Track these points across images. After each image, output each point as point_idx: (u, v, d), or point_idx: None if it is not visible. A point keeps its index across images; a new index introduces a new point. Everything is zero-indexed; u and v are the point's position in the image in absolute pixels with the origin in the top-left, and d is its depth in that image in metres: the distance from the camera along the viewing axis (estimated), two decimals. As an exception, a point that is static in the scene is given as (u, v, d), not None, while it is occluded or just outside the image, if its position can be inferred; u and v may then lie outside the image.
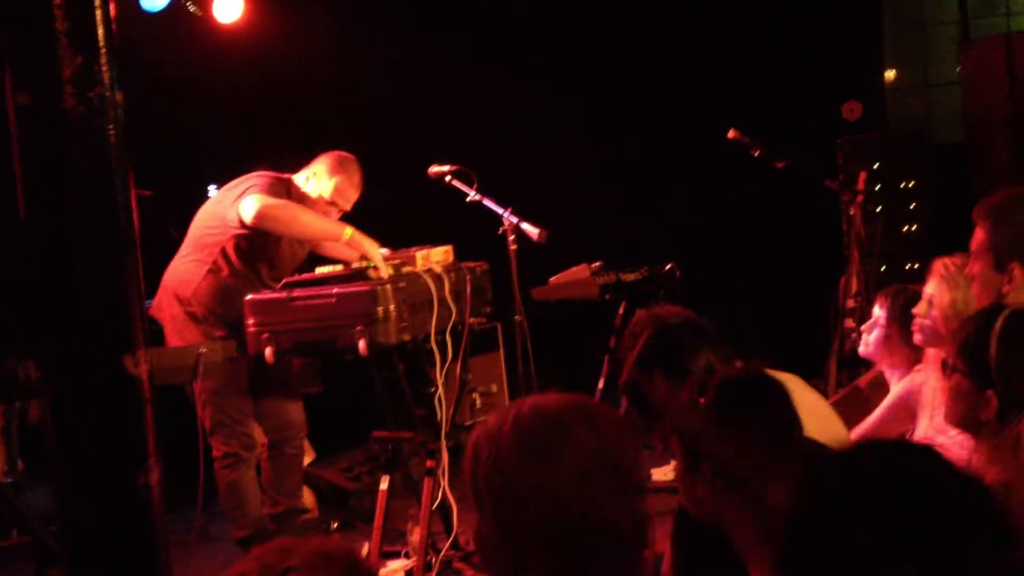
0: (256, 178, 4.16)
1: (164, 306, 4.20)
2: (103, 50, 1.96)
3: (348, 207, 4.32)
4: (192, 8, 5.57)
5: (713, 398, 1.82)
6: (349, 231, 4.04)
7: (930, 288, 3.15)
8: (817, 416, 2.70)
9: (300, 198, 4.25)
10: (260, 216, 3.99)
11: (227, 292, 4.12)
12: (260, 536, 4.10)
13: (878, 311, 3.49)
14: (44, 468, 5.58)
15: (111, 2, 2.02)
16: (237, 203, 4.05)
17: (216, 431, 4.15)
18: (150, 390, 1.89)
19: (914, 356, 3.37)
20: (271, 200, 4.03)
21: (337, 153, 4.33)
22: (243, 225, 4.06)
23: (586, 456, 1.46)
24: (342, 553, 1.29)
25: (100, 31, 1.97)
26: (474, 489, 1.51)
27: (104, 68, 1.96)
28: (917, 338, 3.21)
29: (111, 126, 1.96)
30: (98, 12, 1.97)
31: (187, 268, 4.20)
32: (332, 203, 4.26)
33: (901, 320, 3.35)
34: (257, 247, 4.17)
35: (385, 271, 3.92)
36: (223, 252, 4.15)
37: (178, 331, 4.13)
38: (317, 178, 4.27)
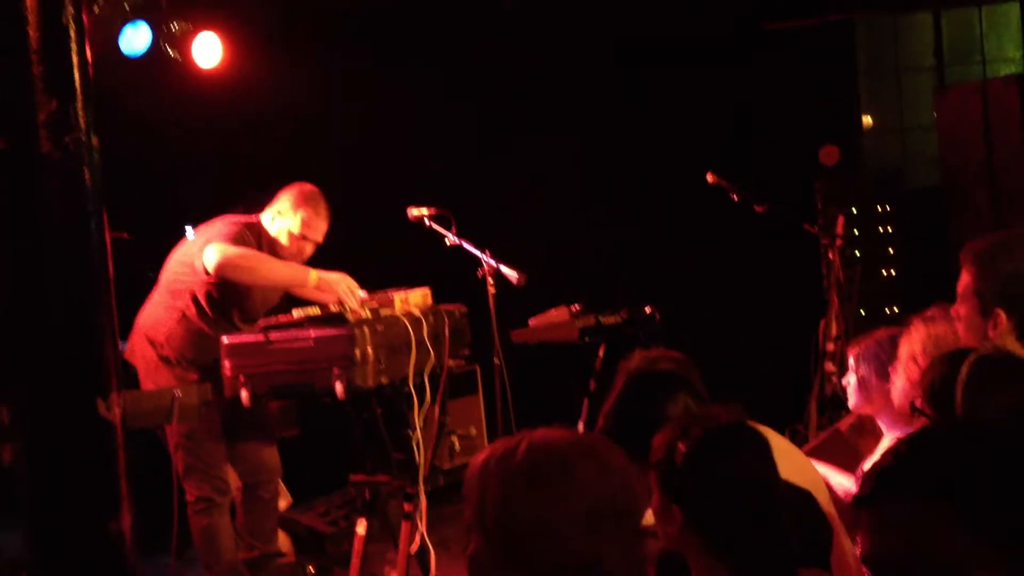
0: (221, 224, 4.15)
1: (137, 349, 4.18)
2: (79, 94, 1.97)
3: (320, 239, 4.31)
4: (172, 53, 5.59)
5: (691, 447, 1.82)
6: (315, 275, 4.03)
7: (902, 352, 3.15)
8: (792, 462, 2.70)
9: (270, 243, 4.24)
10: (221, 267, 3.99)
11: (199, 337, 4.11)
12: None
13: (851, 361, 3.50)
14: (14, 514, 5.52)
15: (87, 47, 2.03)
16: (202, 251, 4.03)
17: (189, 475, 4.11)
18: (123, 434, 1.88)
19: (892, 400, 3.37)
20: (233, 250, 4.01)
21: (298, 186, 4.31)
22: (208, 273, 4.05)
23: (590, 497, 1.45)
24: None
25: (76, 75, 1.98)
26: (474, 511, 1.49)
27: (80, 112, 1.96)
28: (893, 397, 3.20)
29: (86, 170, 1.96)
30: (74, 57, 1.98)
31: (159, 312, 4.19)
32: (303, 237, 4.25)
33: (873, 363, 3.36)
34: (227, 293, 4.15)
35: (354, 305, 3.91)
36: (194, 297, 4.14)
37: (151, 374, 4.10)
38: (283, 216, 4.25)
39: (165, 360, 4.12)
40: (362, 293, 4.24)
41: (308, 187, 4.32)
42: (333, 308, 4.02)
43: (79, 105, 1.94)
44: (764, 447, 1.86)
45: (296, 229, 4.24)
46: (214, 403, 3.86)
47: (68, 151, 1.91)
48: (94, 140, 1.98)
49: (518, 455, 1.49)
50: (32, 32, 1.89)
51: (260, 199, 4.51)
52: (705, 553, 1.78)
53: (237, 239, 4.08)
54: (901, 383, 3.05)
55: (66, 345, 1.92)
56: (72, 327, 1.93)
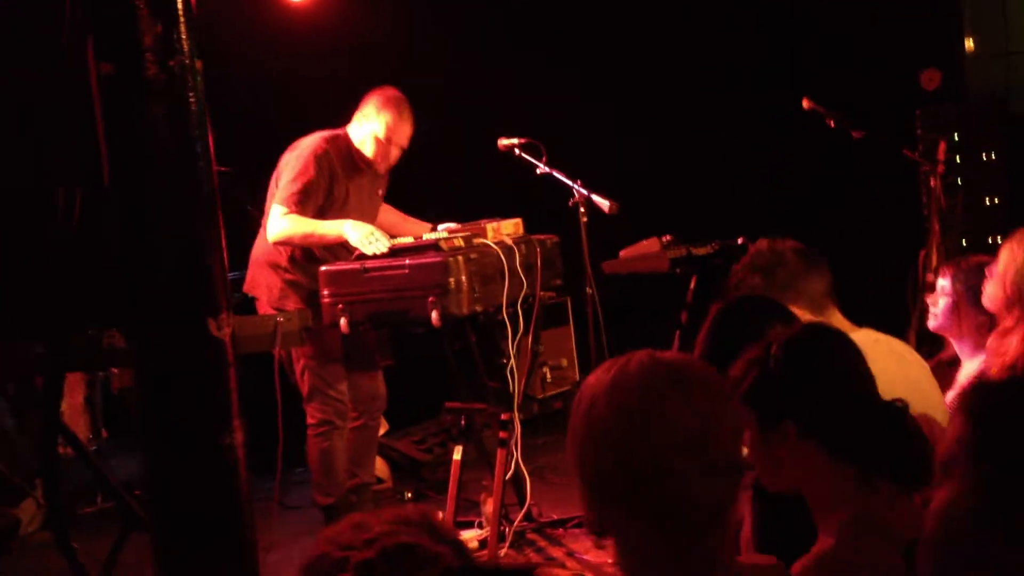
0: (297, 162, 4.17)
1: (260, 280, 4.27)
2: (182, 19, 1.99)
3: (405, 143, 4.32)
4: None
5: (783, 352, 1.81)
6: (343, 223, 4.06)
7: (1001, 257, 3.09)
8: (915, 387, 2.65)
9: (352, 155, 4.27)
10: (278, 242, 4.16)
11: (309, 258, 4.19)
12: (343, 506, 4.17)
13: (942, 281, 3.42)
14: (127, 437, 5.74)
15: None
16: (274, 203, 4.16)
17: (313, 398, 4.21)
18: (233, 353, 1.92)
19: (983, 323, 3.30)
20: (284, 221, 4.10)
21: (380, 90, 4.32)
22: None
23: (679, 432, 1.41)
24: (418, 516, 1.29)
25: (179, 1, 2.00)
26: (570, 439, 1.49)
27: (183, 37, 1.98)
28: (985, 301, 3.16)
29: (191, 94, 1.99)
30: (177, -19, 2.00)
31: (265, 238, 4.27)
32: (388, 141, 4.27)
33: (967, 288, 3.28)
34: (326, 210, 4.20)
35: (491, 234, 4.00)
36: None
37: (277, 302, 4.19)
38: (367, 120, 4.27)
39: (292, 284, 4.21)
40: (452, 224, 4.26)
41: (391, 91, 4.33)
42: (427, 236, 4.05)
43: (183, 29, 1.96)
44: (851, 343, 1.86)
45: (381, 133, 4.26)
46: (334, 329, 3.94)
47: (173, 75, 1.94)
48: (197, 64, 2.01)
49: (604, 386, 1.46)
50: (136, -43, 1.91)
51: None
52: (828, 462, 1.75)
53: (303, 190, 4.11)
54: (993, 289, 3.02)
55: (176, 267, 1.97)
56: (180, 249, 1.97)
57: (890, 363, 2.73)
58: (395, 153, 4.33)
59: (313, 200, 4.16)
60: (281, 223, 4.12)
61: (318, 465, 4.25)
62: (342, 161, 4.25)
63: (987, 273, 3.15)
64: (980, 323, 3.29)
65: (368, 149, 4.28)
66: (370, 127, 4.27)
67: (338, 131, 4.33)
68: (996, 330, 3.14)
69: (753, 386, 1.83)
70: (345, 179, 4.26)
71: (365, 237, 3.97)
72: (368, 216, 4.33)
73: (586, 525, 1.53)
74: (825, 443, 1.76)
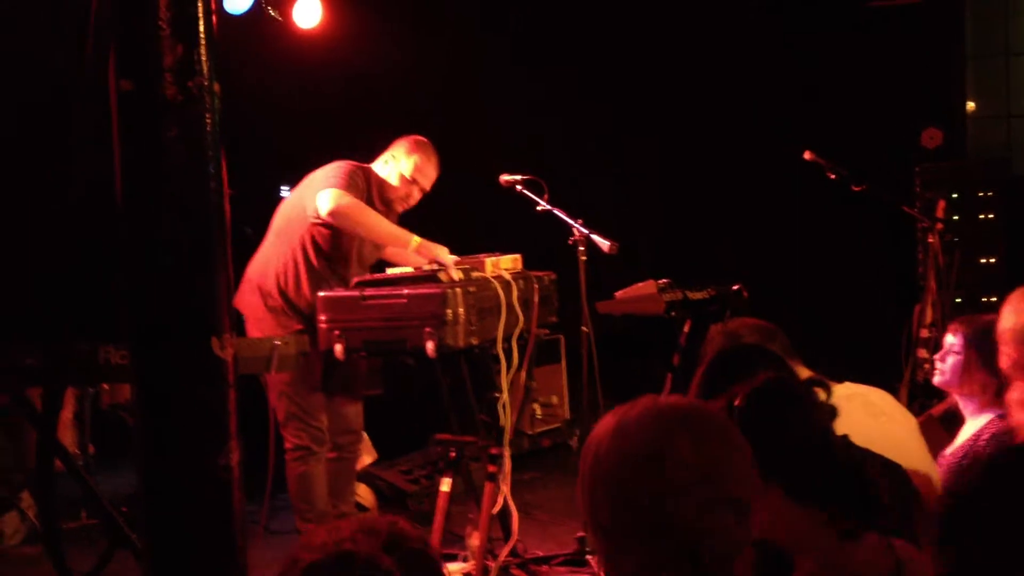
0: (335, 168, 4.23)
1: (246, 298, 4.28)
2: (203, 41, 2.01)
3: (428, 186, 4.40)
4: (273, 12, 5.67)
5: (743, 403, 1.84)
6: (417, 239, 4.10)
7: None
8: (892, 440, 2.66)
9: (379, 185, 4.34)
10: (333, 212, 4.09)
11: (304, 284, 4.19)
12: None
13: (952, 339, 3.43)
14: (114, 454, 5.71)
15: (211, -4, 2.06)
16: (316, 194, 4.11)
17: (289, 423, 4.21)
18: (234, 373, 1.93)
19: (990, 383, 3.30)
20: (346, 197, 4.10)
21: (413, 136, 4.42)
22: (318, 217, 4.13)
23: (684, 474, 1.44)
24: (384, 525, 1.31)
25: (201, 22, 2.02)
26: (580, 486, 1.52)
27: (204, 58, 2.00)
28: (1003, 362, 3.14)
29: (208, 115, 2.00)
30: (200, 4, 2.02)
31: (269, 260, 4.28)
32: (413, 181, 4.35)
33: (978, 345, 3.29)
34: (332, 243, 4.23)
35: (456, 275, 3.95)
36: (302, 246, 4.23)
37: (258, 322, 4.20)
38: (396, 160, 4.35)
39: (272, 309, 4.22)
40: (454, 257, 4.28)
41: (422, 138, 4.43)
42: (426, 267, 4.06)
43: (203, 51, 1.98)
44: (806, 399, 1.88)
45: (408, 172, 4.33)
46: (313, 354, 3.95)
47: (191, 96, 1.95)
48: (216, 87, 2.02)
49: (612, 429, 1.49)
50: (160, -22, 1.94)
51: (355, 159, 4.57)
52: (794, 507, 1.78)
53: (350, 184, 4.15)
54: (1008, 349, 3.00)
55: (182, 285, 1.97)
56: (188, 268, 1.97)
57: (864, 417, 2.75)
58: (416, 196, 4.39)
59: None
60: (343, 198, 4.08)
61: (296, 489, 4.23)
62: (370, 190, 4.31)
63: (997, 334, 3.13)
64: (987, 383, 3.29)
65: (392, 184, 4.35)
66: (397, 167, 4.35)
67: (364, 165, 4.37)
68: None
69: None
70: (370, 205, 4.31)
71: (450, 258, 4.01)
72: (371, 258, 4.38)
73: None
74: (789, 490, 1.79)
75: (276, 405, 4.22)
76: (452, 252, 4.38)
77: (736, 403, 1.85)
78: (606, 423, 1.50)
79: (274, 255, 4.28)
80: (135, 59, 1.98)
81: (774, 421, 1.85)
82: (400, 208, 4.42)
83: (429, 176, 4.38)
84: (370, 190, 4.31)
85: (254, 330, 4.22)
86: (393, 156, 4.36)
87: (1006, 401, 3.09)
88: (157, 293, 1.93)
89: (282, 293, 4.23)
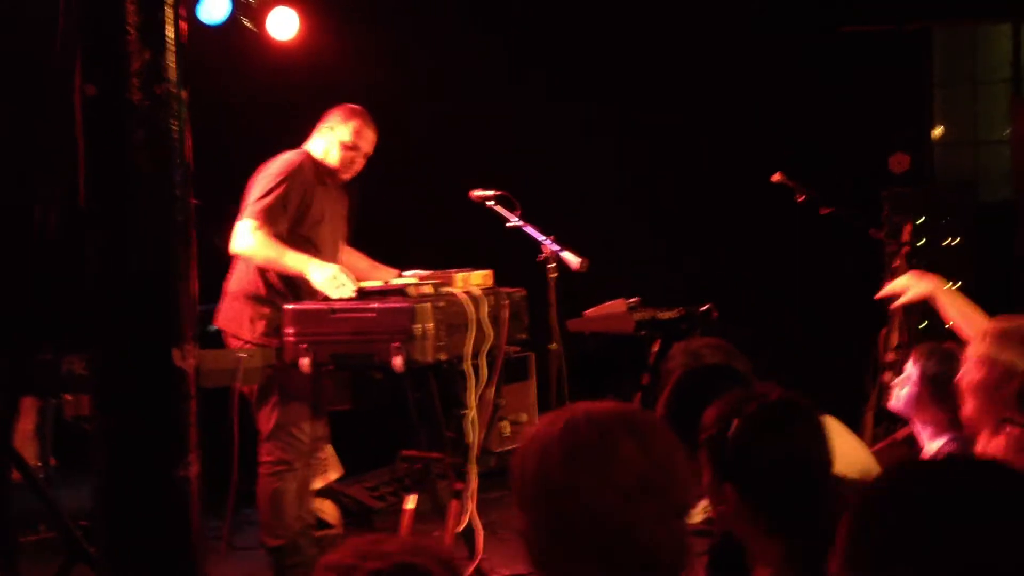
0: (266, 181, 4.17)
1: (232, 312, 4.24)
2: (171, 47, 2.00)
3: (370, 149, 4.37)
4: (248, 23, 5.65)
5: (745, 422, 1.83)
6: (311, 263, 4.04)
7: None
8: (852, 462, 2.67)
9: (320, 165, 4.30)
10: (241, 252, 4.14)
11: (286, 288, 4.18)
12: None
13: (911, 368, 3.44)
14: (76, 466, 5.63)
15: (182, 2, 2.05)
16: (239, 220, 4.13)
17: (274, 435, 4.15)
18: (195, 384, 1.90)
19: (944, 416, 3.32)
20: (252, 235, 4.08)
21: (344, 105, 4.41)
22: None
23: (631, 475, 1.43)
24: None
25: (169, 29, 2.01)
26: (518, 489, 1.50)
27: (171, 64, 1.99)
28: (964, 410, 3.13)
29: (174, 121, 1.99)
30: (168, 10, 2.01)
31: (244, 269, 4.25)
32: (354, 147, 4.32)
33: (933, 379, 3.30)
34: (296, 239, 4.21)
35: (460, 284, 3.99)
36: None
37: (248, 331, 4.17)
38: (333, 130, 4.32)
39: (266, 317, 4.17)
40: (422, 271, 4.27)
41: (354, 105, 4.42)
42: (395, 282, 4.05)
43: (171, 57, 1.97)
44: (817, 424, 1.88)
45: (348, 137, 4.31)
46: (294, 372, 3.90)
47: (158, 101, 1.94)
48: (183, 93, 2.01)
49: (556, 432, 1.48)
50: (130, -17, 1.92)
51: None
52: (759, 531, 1.78)
53: (270, 211, 4.11)
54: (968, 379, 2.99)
55: (143, 293, 1.95)
56: (149, 275, 1.95)
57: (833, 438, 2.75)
58: (360, 162, 4.37)
59: (284, 216, 4.16)
60: (248, 238, 4.08)
61: (268, 505, 4.18)
62: (314, 177, 4.27)
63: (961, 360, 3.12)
64: (939, 417, 3.31)
65: (333, 157, 4.31)
66: (335, 136, 4.32)
67: (299, 150, 4.34)
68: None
69: (710, 441, 1.86)
70: (321, 195, 4.28)
71: (330, 281, 3.95)
72: (339, 233, 4.34)
73: None
74: (760, 515, 1.79)
75: (264, 417, 4.15)
76: (423, 267, 4.37)
77: (735, 421, 1.84)
78: (545, 430, 1.49)
79: (244, 265, 4.26)
80: (102, 63, 1.97)
81: (774, 451, 1.83)
82: (347, 176, 4.38)
83: (369, 139, 4.37)
84: (309, 184, 4.26)
85: (238, 341, 4.15)
86: (330, 128, 4.34)
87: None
88: (118, 300, 1.91)
89: (274, 299, 4.17)
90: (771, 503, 1.79)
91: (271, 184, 4.15)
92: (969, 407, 2.94)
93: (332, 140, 4.31)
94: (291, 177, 4.18)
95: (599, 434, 1.45)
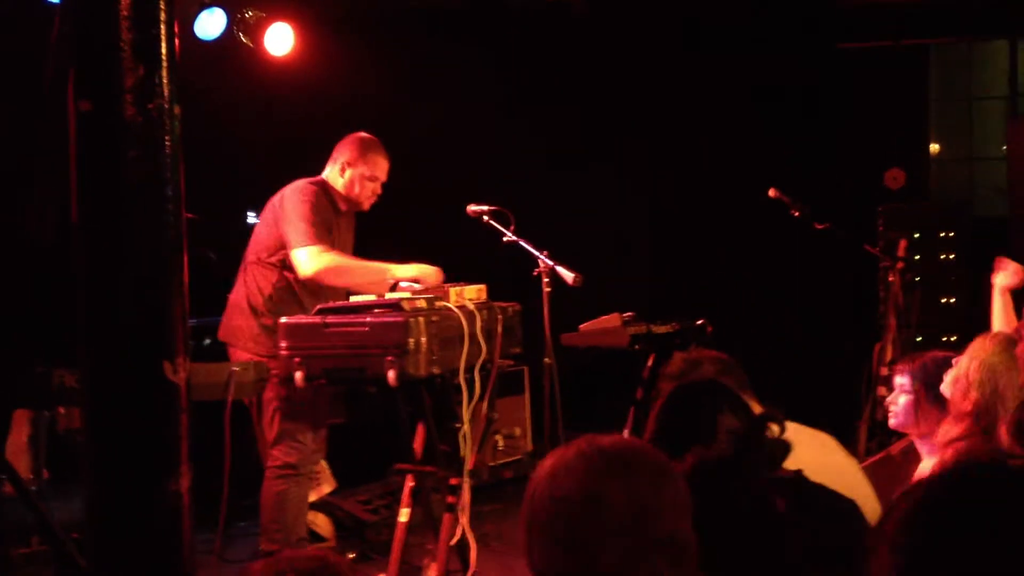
0: (301, 206, 4.23)
1: (235, 323, 4.27)
2: (165, 63, 2.01)
3: (385, 177, 4.47)
4: (245, 40, 5.68)
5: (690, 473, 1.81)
6: (392, 269, 4.16)
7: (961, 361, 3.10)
8: (843, 477, 2.68)
9: (336, 195, 4.38)
10: (317, 275, 4.18)
11: (293, 302, 4.23)
12: None
13: (900, 379, 3.44)
14: (69, 478, 5.62)
15: (175, 20, 2.06)
16: (294, 249, 4.18)
17: (280, 440, 4.17)
18: (187, 398, 1.91)
19: (945, 417, 3.31)
20: (325, 257, 4.17)
21: (353, 136, 4.48)
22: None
23: (617, 518, 1.44)
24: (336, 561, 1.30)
25: (163, 45, 2.02)
26: (521, 533, 1.51)
27: (164, 81, 2.00)
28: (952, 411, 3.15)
29: (167, 137, 2.00)
30: (162, 27, 2.02)
31: (257, 282, 4.29)
32: (374, 178, 4.42)
33: (926, 383, 3.30)
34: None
35: (453, 298, 4.01)
36: (282, 269, 4.26)
37: (252, 342, 4.20)
38: (352, 166, 4.40)
39: (266, 328, 4.20)
40: (418, 286, 4.28)
41: (364, 135, 4.49)
42: (389, 295, 4.05)
43: (164, 74, 1.98)
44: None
45: (369, 172, 4.41)
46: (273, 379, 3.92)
47: (151, 117, 1.95)
48: (176, 110, 2.02)
49: (546, 472, 1.49)
50: None
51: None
52: None
53: (320, 229, 4.20)
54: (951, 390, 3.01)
55: (136, 308, 1.95)
56: (142, 290, 1.96)
57: (817, 453, 2.76)
58: (379, 189, 4.48)
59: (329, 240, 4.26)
60: (320, 260, 4.17)
61: (271, 507, 4.17)
62: (331, 206, 4.35)
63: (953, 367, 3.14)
64: (941, 419, 3.30)
65: (356, 190, 4.40)
66: (356, 171, 4.40)
67: (316, 179, 4.39)
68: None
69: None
70: (336, 224, 4.36)
71: (422, 270, 4.11)
72: (347, 251, 4.39)
73: None
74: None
75: (267, 424, 4.18)
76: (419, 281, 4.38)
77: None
78: (543, 465, 1.50)
79: (260, 278, 4.29)
80: (95, 80, 1.98)
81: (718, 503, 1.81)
82: (367, 207, 4.48)
83: (384, 168, 4.47)
84: (333, 205, 4.35)
85: (245, 353, 4.20)
86: (348, 163, 4.41)
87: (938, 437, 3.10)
88: (110, 314, 1.92)
89: (272, 315, 4.20)
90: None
91: (310, 210, 4.24)
92: (967, 402, 2.97)
93: (353, 174, 4.40)
94: (318, 202, 4.28)
95: (584, 478, 1.45)
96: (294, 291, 4.26)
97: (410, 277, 4.14)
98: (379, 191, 4.47)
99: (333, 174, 4.42)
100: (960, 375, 3.06)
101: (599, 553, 1.42)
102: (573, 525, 1.44)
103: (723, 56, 6.76)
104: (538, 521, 1.46)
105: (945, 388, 3.13)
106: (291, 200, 4.28)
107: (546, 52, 6.79)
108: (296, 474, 4.18)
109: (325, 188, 4.38)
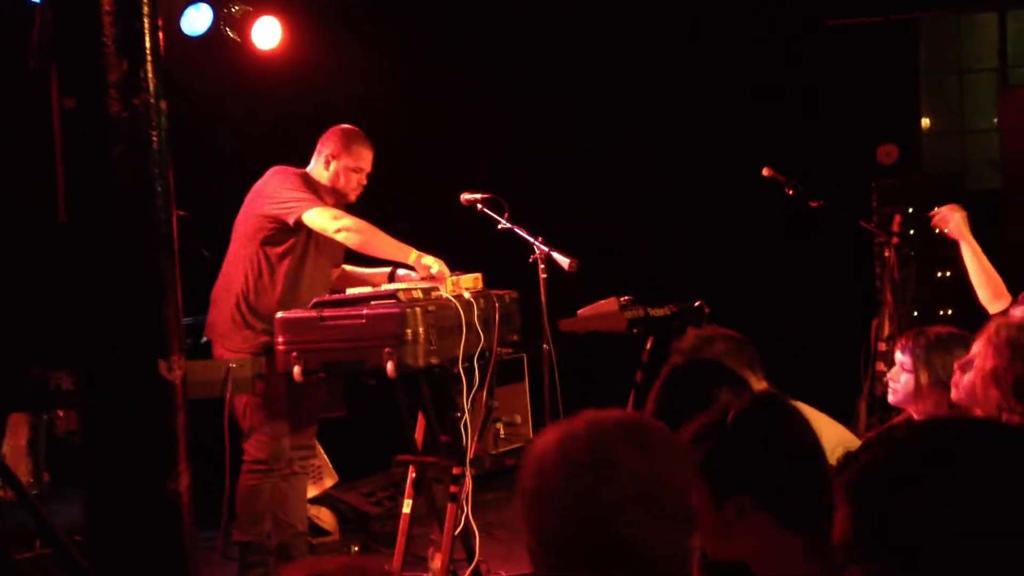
0: (289, 180, 4.23)
1: (219, 319, 4.25)
2: (149, 58, 1.98)
3: (369, 168, 4.44)
4: (232, 34, 5.64)
5: (736, 422, 1.80)
6: (415, 254, 4.13)
7: (976, 348, 3.05)
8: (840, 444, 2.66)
9: (322, 188, 4.35)
10: (345, 230, 4.13)
11: (266, 296, 4.20)
12: (256, 547, 4.11)
13: (901, 356, 3.42)
14: (70, 482, 5.60)
15: (160, 14, 2.04)
16: (297, 214, 4.13)
17: (252, 435, 4.17)
18: (183, 396, 1.89)
19: (943, 400, 3.30)
20: (346, 217, 4.15)
21: (336, 128, 4.44)
22: (297, 224, 4.15)
23: (631, 484, 1.42)
24: (375, 568, 1.27)
25: (147, 40, 1.99)
26: (521, 500, 1.49)
27: (150, 76, 1.98)
28: (954, 394, 3.12)
29: (154, 133, 1.97)
30: (146, 21, 1.99)
31: (236, 274, 4.27)
32: (359, 169, 4.39)
33: (927, 361, 3.28)
34: (294, 262, 4.23)
35: (450, 287, 3.97)
36: (266, 257, 4.24)
37: (222, 338, 4.18)
38: (337, 158, 4.37)
39: (236, 324, 4.19)
40: (415, 275, 4.27)
41: (346, 126, 4.46)
42: (385, 287, 4.04)
43: (149, 69, 1.95)
44: (796, 410, 1.87)
45: (354, 164, 4.38)
46: (270, 375, 3.90)
47: (136, 113, 1.93)
48: (162, 104, 2.00)
49: (556, 443, 1.47)
50: (106, -6, 1.91)
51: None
52: (779, 532, 1.74)
53: (315, 198, 4.19)
54: (971, 377, 2.97)
55: (128, 306, 1.94)
56: (135, 288, 1.94)
57: (830, 428, 2.75)
58: (364, 180, 4.45)
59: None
60: (343, 217, 4.14)
61: (240, 501, 4.19)
62: (315, 195, 4.29)
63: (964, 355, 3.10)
64: (940, 400, 3.28)
65: (341, 182, 4.36)
66: (340, 163, 4.36)
67: (300, 170, 4.37)
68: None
69: (709, 455, 1.81)
70: None
71: (443, 270, 4.06)
72: (336, 249, 4.34)
73: None
74: (777, 514, 1.76)
75: (240, 417, 4.17)
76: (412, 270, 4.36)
77: (728, 421, 1.82)
78: (546, 438, 1.48)
79: (233, 272, 4.26)
80: (79, 76, 1.95)
81: (769, 445, 1.80)
82: (355, 197, 4.45)
83: (368, 158, 4.44)
84: (318, 198, 4.31)
85: (220, 349, 4.19)
86: (333, 156, 4.38)
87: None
88: (102, 314, 1.90)
89: (249, 307, 4.18)
90: (786, 500, 1.76)
91: (302, 184, 4.24)
92: (970, 388, 2.93)
93: (338, 166, 4.37)
94: (305, 181, 4.27)
95: (599, 443, 1.44)
96: (274, 280, 4.22)
97: (428, 266, 4.08)
98: (364, 182, 4.43)
99: (318, 168, 4.39)
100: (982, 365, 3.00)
101: (612, 519, 1.41)
102: (587, 490, 1.42)
103: (713, 36, 6.74)
104: (547, 488, 1.44)
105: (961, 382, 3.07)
106: (278, 178, 4.26)
107: (543, 36, 6.76)
108: (267, 470, 4.18)
109: (308, 179, 4.35)
